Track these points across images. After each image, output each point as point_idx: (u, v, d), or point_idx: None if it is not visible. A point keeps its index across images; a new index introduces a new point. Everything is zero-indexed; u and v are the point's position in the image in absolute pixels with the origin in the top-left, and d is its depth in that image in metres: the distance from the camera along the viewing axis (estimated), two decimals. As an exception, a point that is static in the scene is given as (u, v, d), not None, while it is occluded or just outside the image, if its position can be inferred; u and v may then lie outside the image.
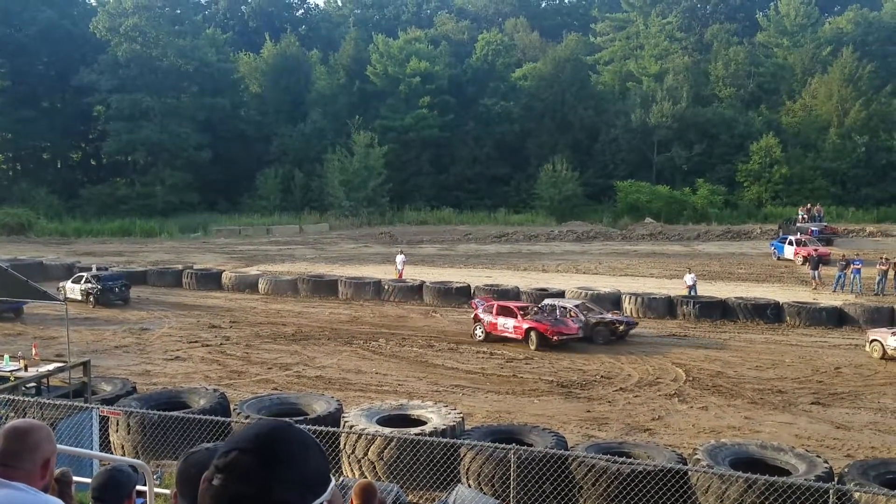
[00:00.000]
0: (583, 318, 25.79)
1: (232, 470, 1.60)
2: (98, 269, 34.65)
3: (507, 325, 25.11)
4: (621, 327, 25.77)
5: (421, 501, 12.01)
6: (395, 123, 71.65)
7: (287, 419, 1.84)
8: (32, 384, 15.93)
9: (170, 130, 67.87)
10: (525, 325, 24.71)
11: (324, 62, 79.07)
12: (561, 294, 31.16)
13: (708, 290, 33.05)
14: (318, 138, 70.59)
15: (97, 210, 64.41)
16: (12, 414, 12.15)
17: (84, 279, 32.27)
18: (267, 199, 67.86)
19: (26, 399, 13.94)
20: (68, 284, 32.47)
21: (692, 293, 31.89)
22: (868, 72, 70.74)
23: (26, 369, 16.18)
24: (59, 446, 3.14)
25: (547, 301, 28.03)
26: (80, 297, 31.44)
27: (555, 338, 24.17)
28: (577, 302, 27.72)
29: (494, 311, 25.59)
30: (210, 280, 36.46)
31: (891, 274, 34.22)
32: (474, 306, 27.10)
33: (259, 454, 1.61)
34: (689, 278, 32.61)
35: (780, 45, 79.65)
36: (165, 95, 68.64)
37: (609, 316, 26.75)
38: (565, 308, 26.60)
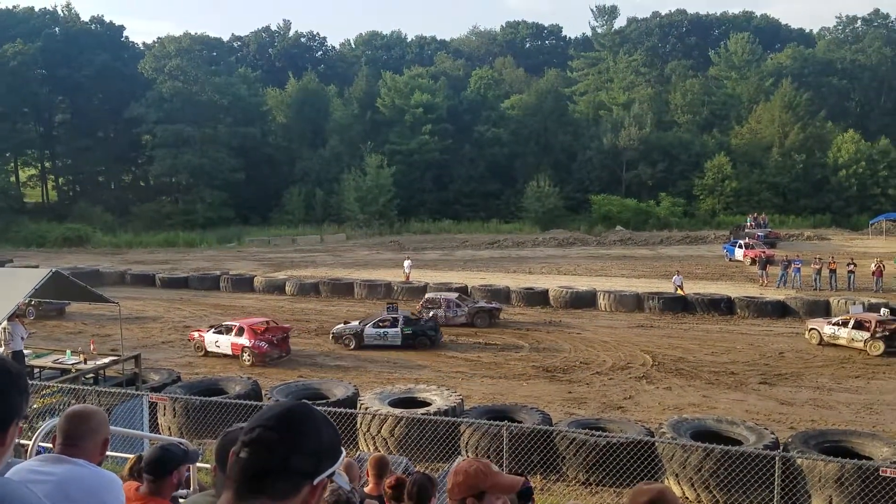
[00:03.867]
0: (465, 307, 26.63)
1: (256, 444, 1.62)
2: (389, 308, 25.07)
3: (221, 342, 22.25)
4: (499, 313, 26.45)
5: (427, 471, 11.97)
6: (401, 147, 71.57)
7: (306, 401, 1.84)
8: (91, 375, 15.92)
9: (208, 156, 67.78)
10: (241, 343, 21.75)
11: (340, 95, 79.01)
12: (448, 289, 31.56)
13: (670, 287, 32.97)
14: (336, 161, 70.49)
15: (146, 224, 64.27)
16: (73, 401, 12.13)
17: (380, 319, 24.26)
18: (292, 214, 67.75)
19: (85, 388, 13.93)
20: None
21: (679, 291, 31.23)
22: (805, 100, 70.94)
23: (85, 362, 16.17)
24: (113, 428, 3.14)
25: (430, 294, 28.28)
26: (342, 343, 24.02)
27: (266, 359, 21.42)
28: (456, 294, 28.31)
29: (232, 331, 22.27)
30: (244, 284, 36.36)
31: (825, 272, 34.21)
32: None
33: (279, 430, 1.63)
34: (677, 279, 32.09)
35: (730, 78, 79.78)
36: (204, 126, 68.56)
37: (484, 304, 27.70)
38: (448, 299, 26.94)
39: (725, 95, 78.57)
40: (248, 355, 21.50)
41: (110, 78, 71.83)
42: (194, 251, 54.91)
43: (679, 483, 11.61)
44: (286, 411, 1.69)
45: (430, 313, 26.04)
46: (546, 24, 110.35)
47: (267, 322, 22.88)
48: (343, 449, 1.77)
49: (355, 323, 24.28)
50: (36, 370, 15.70)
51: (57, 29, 75.39)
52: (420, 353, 22.80)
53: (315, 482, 1.65)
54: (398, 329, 23.30)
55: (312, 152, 72.79)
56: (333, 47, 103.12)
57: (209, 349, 22.33)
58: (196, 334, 23.03)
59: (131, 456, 4.56)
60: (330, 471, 1.68)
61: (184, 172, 68.73)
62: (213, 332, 22.61)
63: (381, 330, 23.37)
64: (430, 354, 22.60)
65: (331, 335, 23.92)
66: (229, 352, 21.94)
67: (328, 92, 78.71)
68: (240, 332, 21.94)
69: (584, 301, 30.38)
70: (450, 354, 22.62)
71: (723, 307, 28.72)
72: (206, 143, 68.32)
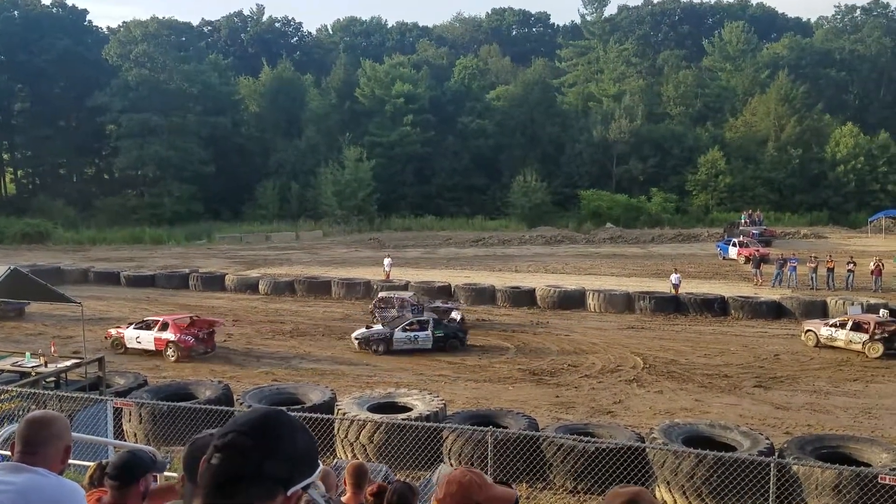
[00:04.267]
0: (421, 307, 26.47)
1: (229, 449, 1.63)
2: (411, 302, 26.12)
3: (142, 337, 22.57)
4: (454, 314, 26.06)
5: (408, 480, 11.97)
6: (381, 139, 71.46)
7: (282, 407, 1.85)
8: (52, 378, 15.77)
9: (176, 147, 67.28)
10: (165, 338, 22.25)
11: (317, 85, 78.73)
12: (404, 288, 31.79)
13: (662, 287, 33.17)
14: (313, 153, 70.24)
15: (110, 219, 63.66)
16: (33, 406, 12.03)
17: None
18: (266, 209, 67.44)
19: (46, 392, 13.79)
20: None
21: (677, 291, 31.26)
22: (801, 92, 71.54)
23: (46, 365, 16.03)
24: (75, 434, 3.11)
25: (383, 294, 28.35)
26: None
27: (192, 354, 22.05)
28: (411, 294, 28.37)
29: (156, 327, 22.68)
30: (214, 282, 36.17)
31: (822, 271, 34.54)
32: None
33: (253, 435, 1.65)
34: (674, 278, 32.12)
35: (724, 69, 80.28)
36: (172, 115, 68.02)
37: (440, 304, 27.68)
38: (403, 299, 27.03)
39: (719, 87, 79.12)
40: (174, 350, 21.99)
41: (73, 64, 71.10)
42: (161, 248, 54.52)
43: (671, 490, 11.69)
44: (261, 416, 1.70)
45: (384, 314, 26.25)
46: (533, 11, 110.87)
47: (191, 317, 23.31)
48: (320, 462, 1.77)
49: (379, 327, 24.02)
50: (-7, 374, 15.54)
51: (16, 13, 74.43)
52: (399, 356, 22.79)
53: (289, 492, 1.65)
54: (429, 332, 23.31)
55: (287, 144, 72.47)
56: (310, 33, 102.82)
57: (129, 346, 22.66)
58: (114, 331, 23.30)
59: (92, 464, 4.52)
60: (305, 482, 1.69)
61: (150, 164, 68.13)
62: (134, 329, 22.95)
63: (411, 334, 23.29)
64: (409, 357, 22.60)
65: (354, 341, 23.41)
66: (152, 347, 22.34)
67: (304, 80, 78.38)
68: (164, 327, 22.41)
69: (572, 301, 30.48)
70: (432, 357, 22.62)
71: (716, 308, 28.93)
72: (174, 134, 67.80)
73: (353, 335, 23.75)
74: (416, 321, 23.63)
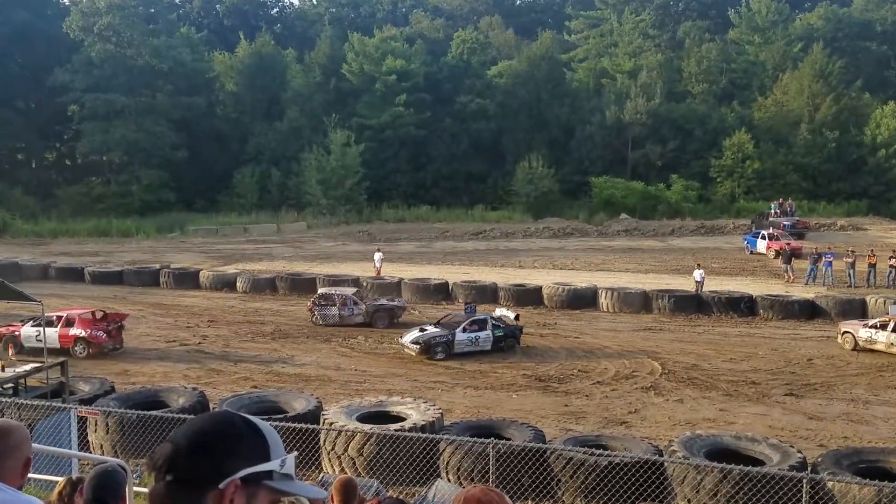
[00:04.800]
0: (364, 305, 27.40)
1: (157, 461, 1.76)
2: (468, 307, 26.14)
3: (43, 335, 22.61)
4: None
5: (401, 496, 12.01)
6: (371, 121, 71.41)
7: (228, 410, 1.95)
8: (10, 384, 15.78)
9: (145, 129, 67.20)
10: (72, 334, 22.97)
11: (299, 61, 78.60)
12: (345, 283, 32.51)
13: (683, 284, 33.21)
14: (295, 137, 70.19)
15: (73, 210, 63.63)
16: (-11, 415, 12.03)
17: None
18: (244, 198, 67.42)
19: (3, 400, 13.81)
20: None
21: (700, 289, 31.41)
22: (838, 67, 71.38)
23: (3, 370, 16.04)
24: (37, 446, 3.12)
25: (323, 290, 29.18)
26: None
27: (103, 349, 22.94)
28: (354, 290, 29.26)
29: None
30: (187, 279, 36.20)
31: (861, 267, 34.55)
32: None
33: (178, 438, 1.78)
34: (697, 274, 32.22)
35: (752, 42, 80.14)
36: (140, 95, 67.91)
37: (385, 301, 28.62)
38: (344, 295, 27.79)
39: (747, 62, 78.98)
40: (83, 347, 22.55)
41: (30, 39, 70.73)
42: (129, 241, 54.50)
43: (692, 509, 11.72)
44: (201, 422, 1.84)
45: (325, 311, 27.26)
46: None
47: (93, 312, 23.76)
48: (280, 450, 1.83)
49: (433, 328, 24.00)
50: (-57, 380, 15.55)
51: (-35, -18, 74.29)
52: (391, 359, 22.83)
53: (222, 485, 1.73)
54: (489, 332, 23.53)
55: (267, 126, 72.37)
56: (292, 4, 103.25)
57: (26, 344, 22.70)
58: (3, 329, 23.45)
59: (60, 479, 4.53)
60: (246, 471, 1.75)
61: (117, 149, 68.04)
62: (32, 326, 23.03)
63: (472, 334, 23.45)
64: (403, 362, 22.63)
65: (411, 346, 23.14)
66: (57, 345, 22.49)
67: (285, 56, 78.22)
68: (69, 322, 22.91)
69: (582, 300, 30.54)
70: (427, 362, 22.66)
71: (743, 307, 28.98)
72: (142, 116, 67.70)
73: (408, 339, 23.47)
74: (475, 320, 23.79)
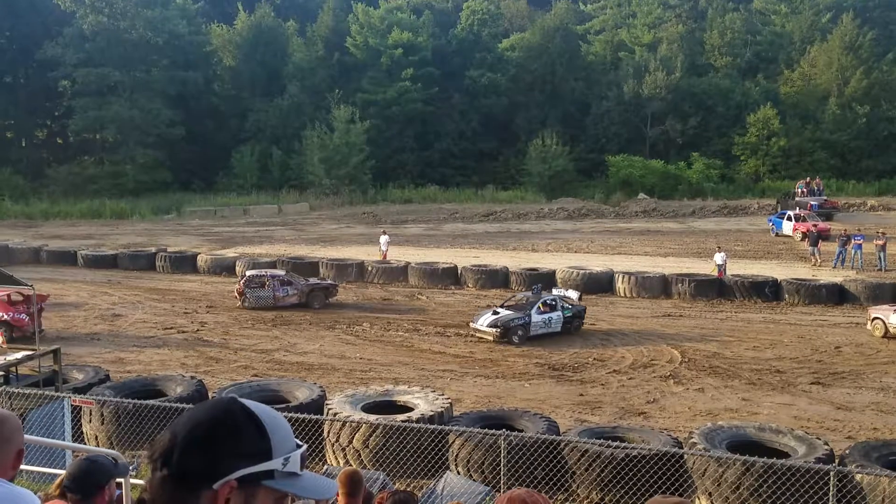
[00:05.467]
0: (297, 286, 28.21)
1: (154, 453, 1.74)
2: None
3: None
4: (335, 291, 28.65)
5: (408, 489, 12.05)
6: (376, 97, 71.28)
7: (233, 398, 1.92)
8: (1, 373, 15.86)
9: (140, 106, 67.16)
10: None
11: (301, 34, 78.39)
12: (272, 265, 33.10)
13: (704, 268, 33.13)
14: (297, 114, 70.13)
15: (65, 190, 63.81)
16: (-21, 405, 12.10)
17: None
18: (243, 178, 67.46)
19: (-6, 389, 13.88)
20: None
21: (724, 272, 31.31)
22: (869, 39, 70.88)
23: (-7, 358, 16.10)
24: (30, 437, 3.13)
25: (251, 272, 29.42)
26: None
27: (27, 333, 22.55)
28: (284, 272, 29.85)
29: None
30: (185, 263, 36.29)
31: (891, 249, 34.42)
32: None
33: (173, 429, 1.76)
34: (718, 257, 32.08)
35: (778, 12, 79.64)
36: (134, 69, 67.89)
37: (318, 281, 29.83)
38: (275, 276, 28.49)
39: (773, 34, 78.52)
40: (5, 330, 21.96)
41: (19, 12, 70.73)
42: (124, 223, 54.65)
43: (713, 503, 11.73)
44: (199, 412, 1.80)
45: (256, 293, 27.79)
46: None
47: (9, 295, 23.50)
48: (285, 446, 1.79)
49: (506, 311, 23.96)
50: (-69, 369, 15.64)
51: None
52: (398, 347, 22.88)
53: (216, 486, 1.70)
54: (560, 313, 23.99)
55: (268, 103, 72.32)
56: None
57: None
58: None
59: (62, 472, 4.56)
60: (243, 472, 1.71)
61: (110, 127, 68.08)
62: None
63: (545, 316, 23.79)
64: (410, 350, 22.68)
65: (489, 330, 23.07)
66: None
67: (286, 29, 78.06)
68: None
69: (598, 285, 30.54)
70: (436, 349, 22.70)
71: (767, 292, 28.92)
72: (137, 91, 67.69)
73: (483, 323, 23.42)
74: (546, 302, 24.07)
